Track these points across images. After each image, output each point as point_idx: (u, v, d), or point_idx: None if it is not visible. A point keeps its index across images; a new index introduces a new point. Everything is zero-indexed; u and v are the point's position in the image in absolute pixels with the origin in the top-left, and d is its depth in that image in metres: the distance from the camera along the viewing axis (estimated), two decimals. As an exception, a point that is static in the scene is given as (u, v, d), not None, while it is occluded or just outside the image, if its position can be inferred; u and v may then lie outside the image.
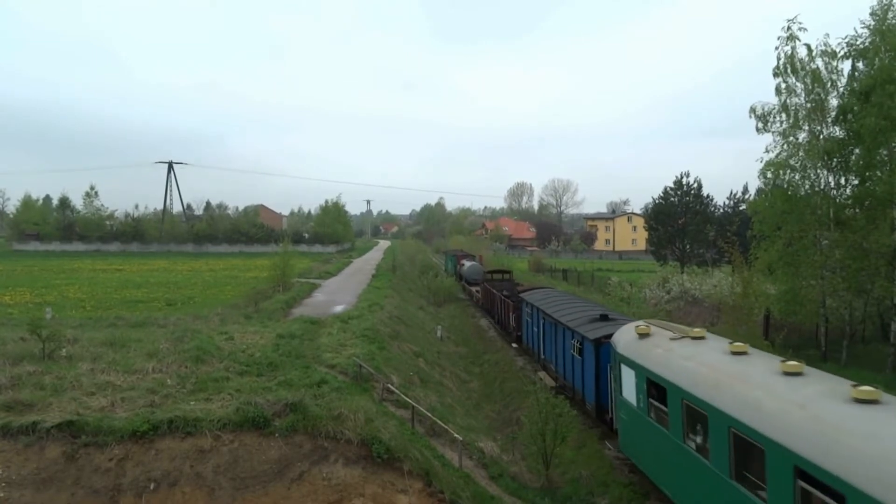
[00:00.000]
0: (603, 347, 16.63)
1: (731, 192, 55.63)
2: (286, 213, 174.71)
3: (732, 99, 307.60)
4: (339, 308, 32.18)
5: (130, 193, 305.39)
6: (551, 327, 22.58)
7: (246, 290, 39.25)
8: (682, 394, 10.78)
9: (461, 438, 15.50)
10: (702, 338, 12.36)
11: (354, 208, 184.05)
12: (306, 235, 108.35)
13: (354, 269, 63.11)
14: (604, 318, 19.18)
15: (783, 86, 23.14)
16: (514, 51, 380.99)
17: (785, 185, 23.26)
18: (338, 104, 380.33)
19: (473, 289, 49.95)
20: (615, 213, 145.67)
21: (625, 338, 14.39)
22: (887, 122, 19.67)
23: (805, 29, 22.54)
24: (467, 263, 58.09)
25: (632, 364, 13.28)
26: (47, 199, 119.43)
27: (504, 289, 38.53)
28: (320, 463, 13.48)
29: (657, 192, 62.41)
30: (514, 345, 30.81)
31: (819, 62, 22.54)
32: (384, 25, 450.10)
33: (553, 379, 22.50)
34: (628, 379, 13.63)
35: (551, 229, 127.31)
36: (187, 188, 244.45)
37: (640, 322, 15.13)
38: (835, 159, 22.32)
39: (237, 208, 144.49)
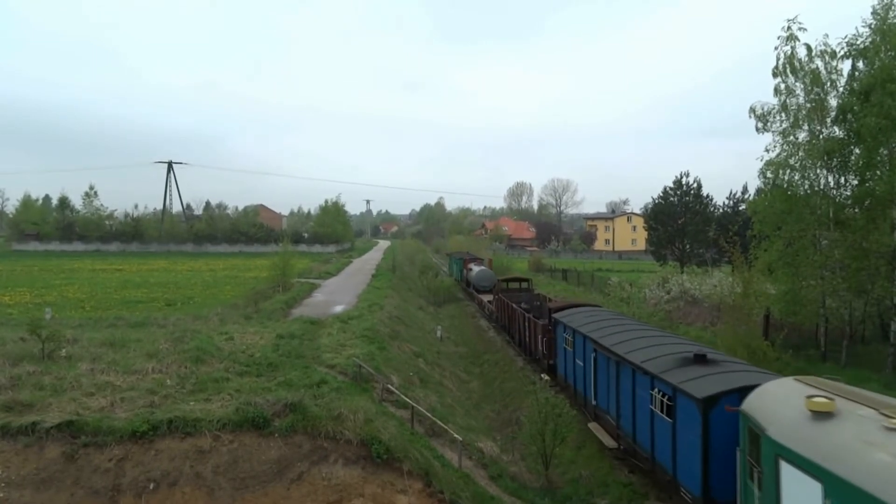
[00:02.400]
0: (715, 411, 11.05)
1: (731, 192, 55.55)
2: (286, 213, 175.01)
3: (732, 99, 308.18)
4: (338, 308, 32.19)
5: (130, 193, 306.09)
6: (608, 364, 16.48)
7: (246, 291, 39.26)
8: None
9: (461, 438, 15.50)
10: None
11: (354, 208, 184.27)
12: (306, 235, 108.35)
13: (354, 269, 63.12)
14: (700, 359, 13.04)
15: (783, 86, 23.13)
16: (514, 51, 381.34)
17: (784, 185, 23.25)
18: (338, 104, 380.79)
19: (484, 298, 43.66)
20: (615, 213, 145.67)
21: (783, 414, 8.92)
22: (888, 122, 19.67)
23: (805, 29, 22.55)
24: (476, 268, 52.20)
25: (816, 471, 7.69)
26: (47, 199, 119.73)
27: (523, 301, 32.47)
28: (320, 463, 13.49)
29: (657, 192, 62.37)
30: (543, 376, 23.21)
31: (818, 62, 22.54)
32: (385, 25, 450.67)
33: (613, 438, 16.22)
34: (805, 493, 8.00)
35: (551, 229, 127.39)
36: (187, 188, 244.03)
37: (805, 385, 9.47)
38: (834, 159, 22.30)
39: (237, 208, 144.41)
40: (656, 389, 13.24)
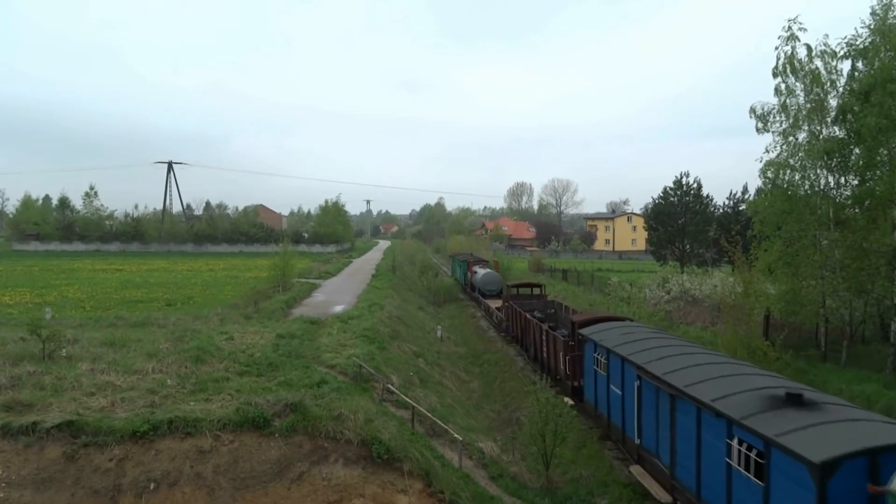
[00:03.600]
0: (836, 482, 8.22)
1: (731, 192, 55.46)
2: (286, 213, 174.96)
3: (732, 100, 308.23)
4: (338, 308, 32.19)
5: (130, 193, 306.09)
6: (658, 397, 13.42)
7: (246, 290, 39.24)
8: None
9: (461, 439, 15.50)
10: None
11: (354, 208, 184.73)
12: (306, 235, 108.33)
13: (354, 269, 63.10)
14: (795, 399, 10.10)
15: (783, 86, 23.12)
16: (515, 51, 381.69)
17: (785, 185, 23.26)
18: (338, 103, 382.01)
19: (492, 304, 40.21)
20: (615, 213, 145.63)
21: None
22: (888, 122, 19.67)
23: (805, 29, 22.54)
24: (481, 271, 49.05)
25: None
26: (47, 199, 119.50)
27: (535, 308, 29.94)
28: (320, 463, 13.49)
29: (657, 192, 62.39)
30: (568, 400, 18.78)
31: (818, 62, 22.54)
32: (387, 26, 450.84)
33: (666, 490, 13.14)
34: None
35: (551, 229, 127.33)
36: (187, 188, 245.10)
37: None
38: (834, 159, 22.31)
39: (237, 208, 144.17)
40: (737, 439, 10.13)
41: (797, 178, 23.20)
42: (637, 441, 14.77)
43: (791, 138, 23.20)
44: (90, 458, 13.01)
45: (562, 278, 56.99)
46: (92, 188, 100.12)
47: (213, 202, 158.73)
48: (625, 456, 15.97)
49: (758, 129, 23.95)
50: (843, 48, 21.89)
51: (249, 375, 17.43)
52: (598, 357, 17.52)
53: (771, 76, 23.24)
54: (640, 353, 15.06)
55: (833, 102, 22.56)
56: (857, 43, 21.47)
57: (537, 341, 25.75)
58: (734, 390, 11.06)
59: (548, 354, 23.78)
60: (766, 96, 23.93)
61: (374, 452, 13.62)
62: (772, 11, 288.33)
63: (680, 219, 52.73)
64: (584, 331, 19.23)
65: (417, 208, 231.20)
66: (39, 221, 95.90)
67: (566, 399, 19.59)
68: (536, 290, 35.61)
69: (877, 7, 21.15)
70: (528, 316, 28.05)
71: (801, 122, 22.91)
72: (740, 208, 50.42)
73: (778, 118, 23.48)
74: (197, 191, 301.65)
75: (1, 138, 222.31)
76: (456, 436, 15.57)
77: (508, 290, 35.55)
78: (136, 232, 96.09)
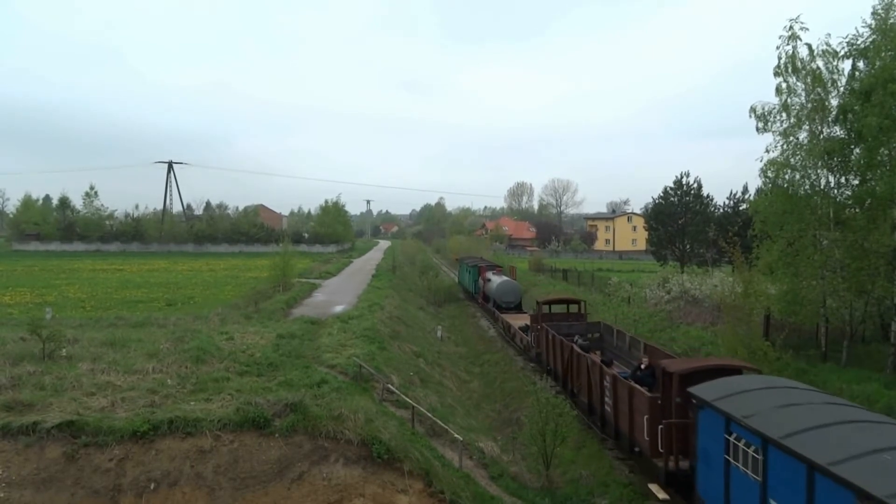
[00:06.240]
0: None
1: (731, 192, 55.45)
2: (286, 213, 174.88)
3: (732, 99, 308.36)
4: (339, 308, 32.20)
5: (131, 193, 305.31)
6: None
7: (246, 290, 39.26)
8: None
9: (461, 438, 15.50)
10: None
11: (354, 208, 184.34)
12: (306, 235, 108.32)
13: (354, 269, 63.12)
14: None
15: (784, 85, 23.10)
16: (516, 52, 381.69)
17: (785, 185, 23.26)
18: (338, 104, 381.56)
19: (513, 322, 33.16)
20: (615, 213, 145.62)
21: None
22: (889, 122, 19.67)
23: (806, 28, 22.52)
24: (495, 279, 42.11)
25: None
26: (47, 199, 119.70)
27: (575, 331, 24.59)
28: (320, 463, 13.49)
29: (657, 192, 62.37)
30: (659, 491, 13.08)
31: (820, 62, 22.54)
32: (387, 26, 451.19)
33: None
34: None
35: (551, 229, 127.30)
36: (187, 188, 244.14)
37: None
38: (835, 159, 22.31)
39: (237, 208, 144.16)
40: None
41: (797, 177, 23.19)
42: None
43: (792, 138, 23.18)
44: (90, 458, 13.02)
45: (562, 278, 56.99)
46: (92, 188, 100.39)
47: (214, 202, 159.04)
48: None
49: (758, 129, 23.93)
50: (843, 48, 21.89)
51: (250, 375, 17.44)
52: (738, 443, 10.22)
53: (771, 76, 23.18)
54: (860, 460, 7.78)
55: (834, 102, 22.55)
56: (859, 43, 21.46)
57: (595, 386, 18.30)
58: None
59: (616, 410, 16.23)
60: (766, 96, 23.96)
61: (375, 452, 13.62)
62: (772, 12, 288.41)
63: (680, 219, 52.72)
64: (700, 392, 11.68)
65: (418, 208, 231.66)
66: (40, 221, 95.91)
67: (653, 486, 13.24)
68: (574, 308, 28.67)
69: (878, 7, 21.15)
70: (575, 348, 20.99)
71: (801, 122, 22.91)
72: (740, 208, 50.36)
73: (778, 118, 23.45)
74: (197, 191, 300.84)
75: (1, 138, 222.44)
76: (456, 436, 15.57)
77: (539, 307, 27.62)
78: (136, 232, 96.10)
